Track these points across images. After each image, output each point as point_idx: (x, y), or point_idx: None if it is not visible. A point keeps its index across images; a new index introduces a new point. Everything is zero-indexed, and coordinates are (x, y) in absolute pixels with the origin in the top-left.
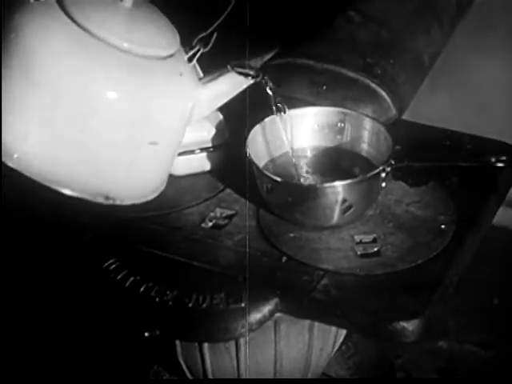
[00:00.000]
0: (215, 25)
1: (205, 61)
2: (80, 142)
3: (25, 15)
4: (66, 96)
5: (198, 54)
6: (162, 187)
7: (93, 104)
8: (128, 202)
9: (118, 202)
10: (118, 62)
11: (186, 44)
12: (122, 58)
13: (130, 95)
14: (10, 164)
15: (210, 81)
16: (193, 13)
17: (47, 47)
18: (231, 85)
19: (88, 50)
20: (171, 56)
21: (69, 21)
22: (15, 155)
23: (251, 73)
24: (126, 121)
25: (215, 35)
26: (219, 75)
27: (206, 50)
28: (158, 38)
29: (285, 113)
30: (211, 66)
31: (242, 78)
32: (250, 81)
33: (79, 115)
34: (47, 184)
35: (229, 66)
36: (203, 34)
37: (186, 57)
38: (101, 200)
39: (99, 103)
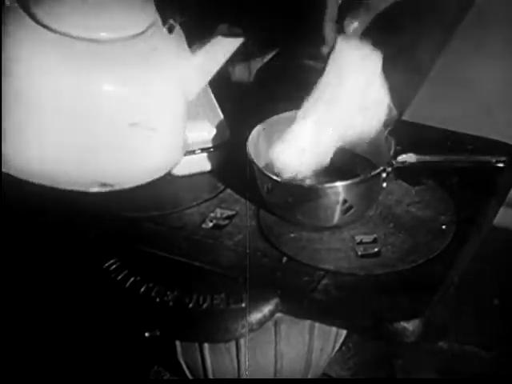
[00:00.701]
0: None
1: None
2: (71, 138)
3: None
4: (48, 98)
5: (177, 24)
6: (166, 170)
7: (73, 100)
8: (126, 186)
9: (116, 188)
10: (89, 53)
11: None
12: (92, 48)
13: (106, 82)
14: (11, 172)
15: (198, 48)
16: None
17: (19, 57)
18: (221, 49)
19: (56, 49)
20: (143, 33)
21: (33, 23)
22: (15, 164)
23: (237, 32)
24: (107, 108)
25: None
26: (206, 42)
27: (184, 19)
28: (125, 18)
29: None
30: None
31: (229, 39)
32: (238, 41)
33: (63, 114)
34: (42, 183)
35: (217, 30)
36: (179, 3)
37: (163, 29)
38: (96, 189)
39: (80, 98)
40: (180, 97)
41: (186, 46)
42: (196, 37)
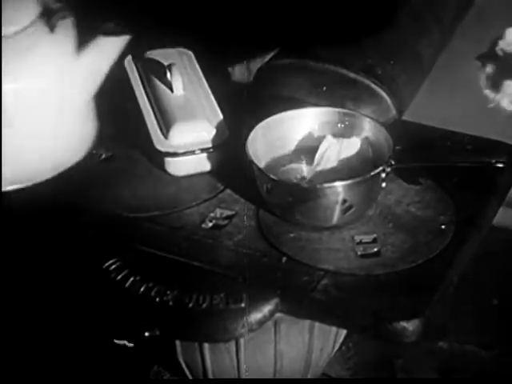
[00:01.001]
0: None
1: (206, 62)
2: None
3: None
4: None
5: (59, 23)
6: (58, 170)
7: None
8: (10, 188)
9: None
10: None
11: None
12: None
13: None
14: None
15: (84, 47)
16: None
17: None
18: (108, 48)
19: None
20: (23, 30)
21: None
22: None
23: (123, 29)
24: None
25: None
26: (92, 40)
27: (69, 16)
28: (5, 15)
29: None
30: (213, 67)
31: (116, 38)
32: (125, 39)
33: None
34: None
35: (102, 28)
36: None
37: (46, 27)
38: None
39: None
40: (67, 96)
41: (70, 44)
42: (82, 34)
